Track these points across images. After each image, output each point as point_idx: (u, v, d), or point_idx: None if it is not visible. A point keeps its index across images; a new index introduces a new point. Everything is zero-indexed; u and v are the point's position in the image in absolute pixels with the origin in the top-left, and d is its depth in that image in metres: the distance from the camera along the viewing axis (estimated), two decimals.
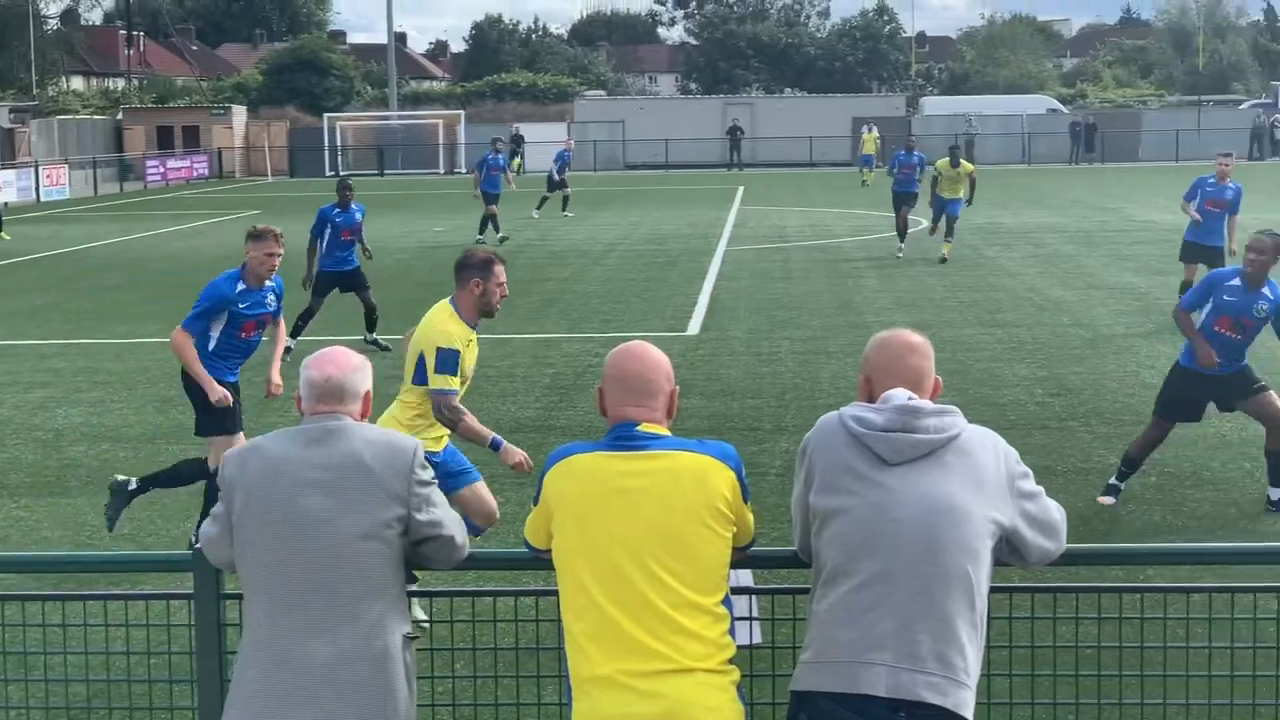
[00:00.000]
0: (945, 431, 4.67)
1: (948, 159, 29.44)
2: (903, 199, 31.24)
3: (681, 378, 17.49)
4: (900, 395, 4.75)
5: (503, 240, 33.87)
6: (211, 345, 10.80)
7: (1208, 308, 11.33)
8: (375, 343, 19.33)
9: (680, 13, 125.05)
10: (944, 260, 29.05)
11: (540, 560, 5.01)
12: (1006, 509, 4.69)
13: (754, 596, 5.47)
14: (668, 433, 4.87)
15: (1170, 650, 5.61)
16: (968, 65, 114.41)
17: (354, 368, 5.03)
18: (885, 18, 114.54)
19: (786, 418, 14.90)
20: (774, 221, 41.20)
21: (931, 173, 30.06)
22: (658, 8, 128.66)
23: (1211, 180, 20.46)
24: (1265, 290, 11.20)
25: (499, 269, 8.88)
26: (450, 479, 8.80)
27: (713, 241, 35.00)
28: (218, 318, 10.77)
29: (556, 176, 42.48)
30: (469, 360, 8.90)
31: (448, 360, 8.63)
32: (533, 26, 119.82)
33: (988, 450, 4.72)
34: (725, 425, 14.65)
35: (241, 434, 10.79)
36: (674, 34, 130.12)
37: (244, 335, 10.94)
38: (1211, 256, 19.92)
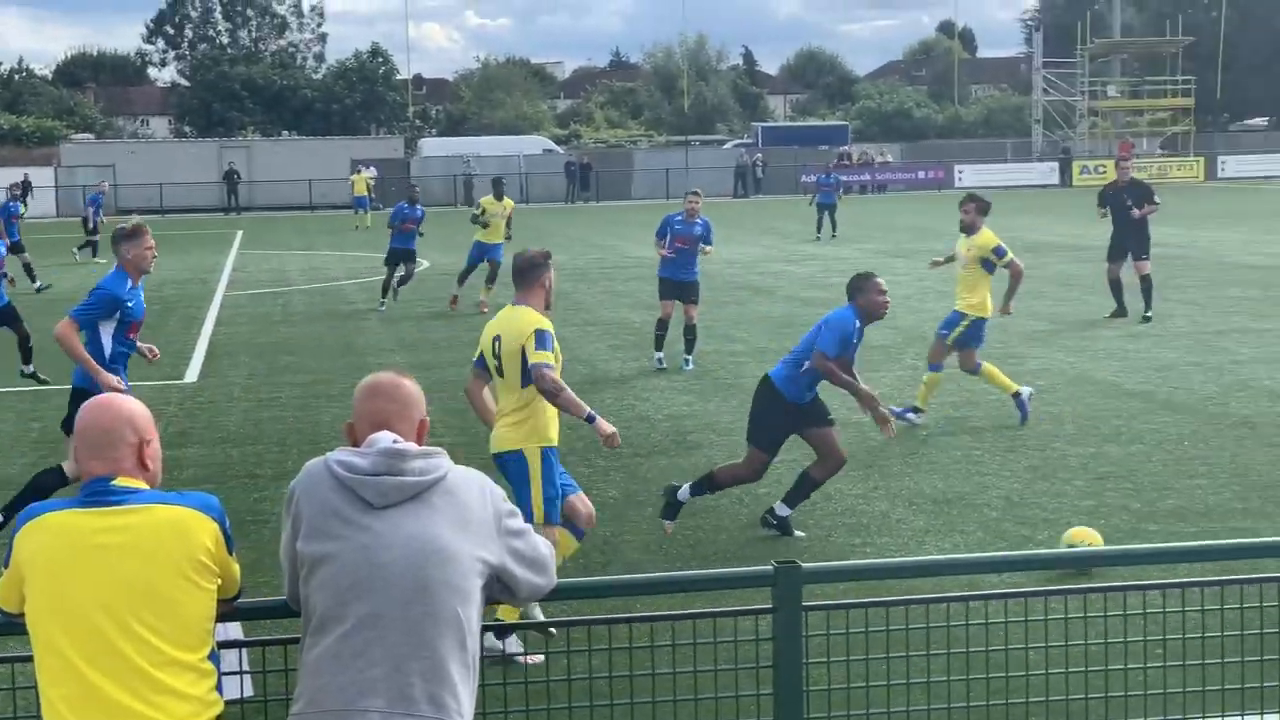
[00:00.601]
0: (431, 474, 4.69)
1: (492, 195, 28.05)
2: (399, 255, 28.76)
3: (180, 427, 17.17)
4: (385, 439, 4.74)
5: (40, 290, 32.96)
6: (107, 351, 10.98)
7: (837, 350, 11.62)
8: (34, 375, 19.00)
9: (171, 53, 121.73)
10: (483, 308, 26.98)
11: (15, 625, 4.79)
12: (494, 547, 4.73)
13: (244, 649, 5.36)
14: (145, 486, 4.72)
15: (659, 676, 5.77)
16: (465, 107, 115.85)
17: None
18: (380, 60, 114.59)
19: (288, 462, 14.70)
20: (275, 265, 40.75)
21: (473, 211, 28.96)
22: (147, 48, 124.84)
23: (679, 217, 20.64)
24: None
25: (551, 261, 9.70)
26: (565, 486, 9.50)
27: (211, 286, 34.35)
28: (108, 318, 10.99)
29: (94, 221, 42.04)
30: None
31: (545, 339, 9.16)
32: (16, 67, 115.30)
33: (474, 490, 4.76)
34: (226, 473, 14.36)
35: None
36: (165, 75, 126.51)
37: (131, 336, 11.16)
38: (686, 292, 20.46)
